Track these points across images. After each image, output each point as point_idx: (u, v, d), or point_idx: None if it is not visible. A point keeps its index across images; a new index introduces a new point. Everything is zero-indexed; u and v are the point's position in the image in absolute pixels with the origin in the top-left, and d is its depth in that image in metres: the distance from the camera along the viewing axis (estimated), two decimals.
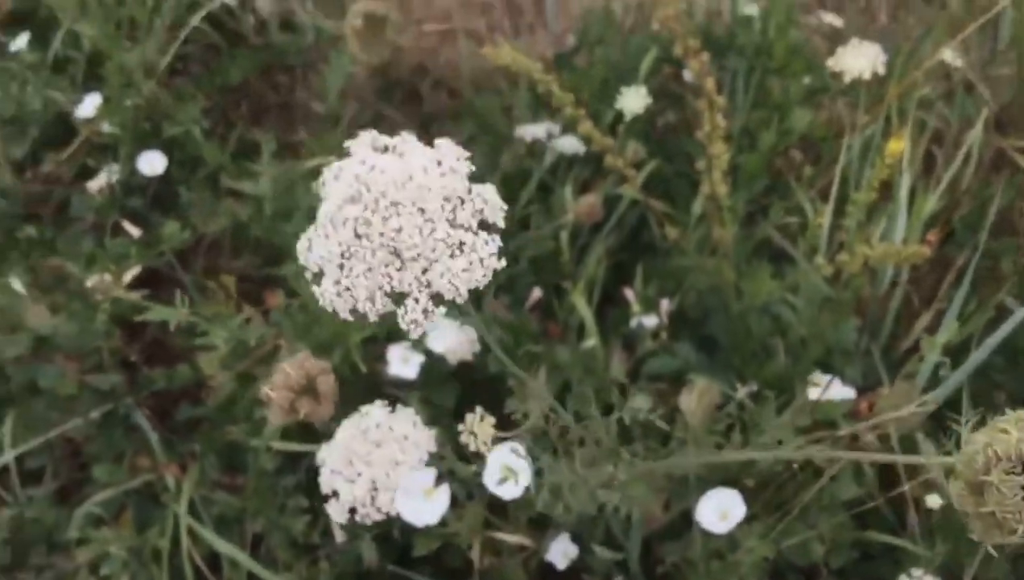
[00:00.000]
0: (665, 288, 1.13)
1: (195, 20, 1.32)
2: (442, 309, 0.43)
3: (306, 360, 0.64)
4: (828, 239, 1.05)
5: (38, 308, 1.12)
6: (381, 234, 0.42)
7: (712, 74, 0.84)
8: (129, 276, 1.20)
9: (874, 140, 1.11)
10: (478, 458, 0.73)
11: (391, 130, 1.49)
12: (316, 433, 0.98)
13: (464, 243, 0.42)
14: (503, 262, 0.43)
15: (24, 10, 1.61)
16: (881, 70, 1.04)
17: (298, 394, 0.63)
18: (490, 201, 0.43)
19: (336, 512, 0.59)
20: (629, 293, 1.11)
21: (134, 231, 1.32)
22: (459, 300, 0.42)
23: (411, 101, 1.61)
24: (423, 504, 0.69)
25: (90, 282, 1.06)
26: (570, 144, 1.23)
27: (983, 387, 1.06)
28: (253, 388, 1.04)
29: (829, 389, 0.87)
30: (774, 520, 0.86)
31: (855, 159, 1.12)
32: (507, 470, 0.70)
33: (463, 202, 0.43)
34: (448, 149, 0.44)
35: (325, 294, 0.43)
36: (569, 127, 1.22)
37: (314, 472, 1.03)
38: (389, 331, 1.01)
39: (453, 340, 0.96)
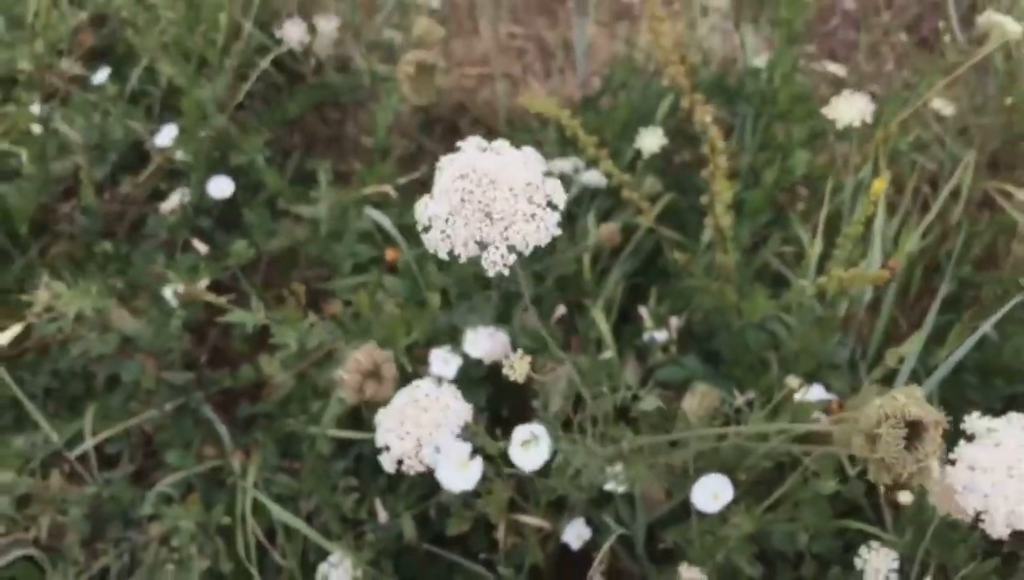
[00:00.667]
0: (676, 307, 1.27)
1: (265, 63, 1.48)
2: (514, 256, 0.59)
3: (373, 350, 0.79)
4: (819, 267, 1.18)
5: (121, 312, 1.28)
6: (479, 201, 0.58)
7: (716, 122, 0.98)
8: (202, 285, 1.36)
9: (864, 180, 1.24)
10: (506, 436, 0.87)
11: (432, 163, 1.65)
12: (364, 425, 1.13)
13: (536, 214, 0.59)
14: (560, 230, 0.61)
15: (104, 46, 1.79)
16: (868, 118, 1.18)
17: (365, 377, 0.77)
18: (556, 190, 0.61)
19: (387, 462, 0.73)
20: (643, 311, 1.24)
21: (202, 248, 1.48)
22: (526, 252, 0.59)
23: (451, 136, 1.76)
24: (459, 474, 0.83)
25: (176, 290, 1.21)
26: (593, 178, 1.37)
27: (957, 403, 1.18)
28: (310, 385, 1.19)
29: (810, 394, 1.00)
30: (761, 511, 0.98)
31: (848, 197, 1.25)
32: (529, 440, 0.84)
33: (538, 188, 0.60)
34: (531, 153, 0.61)
35: (431, 239, 0.60)
36: (592, 163, 1.37)
37: (363, 458, 1.17)
38: (430, 337, 1.16)
39: (487, 345, 1.10)
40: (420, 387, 0.74)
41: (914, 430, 0.58)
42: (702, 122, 0.96)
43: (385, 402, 0.74)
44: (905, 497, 1.03)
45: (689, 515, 1.03)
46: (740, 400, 1.13)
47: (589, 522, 1.08)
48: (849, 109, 1.18)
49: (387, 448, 0.72)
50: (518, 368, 0.69)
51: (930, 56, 1.89)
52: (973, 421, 0.63)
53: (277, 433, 1.20)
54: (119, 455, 1.30)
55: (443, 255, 0.59)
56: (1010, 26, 1.29)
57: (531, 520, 1.07)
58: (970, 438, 0.62)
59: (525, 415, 1.24)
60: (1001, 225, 1.37)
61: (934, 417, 0.58)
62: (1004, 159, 1.56)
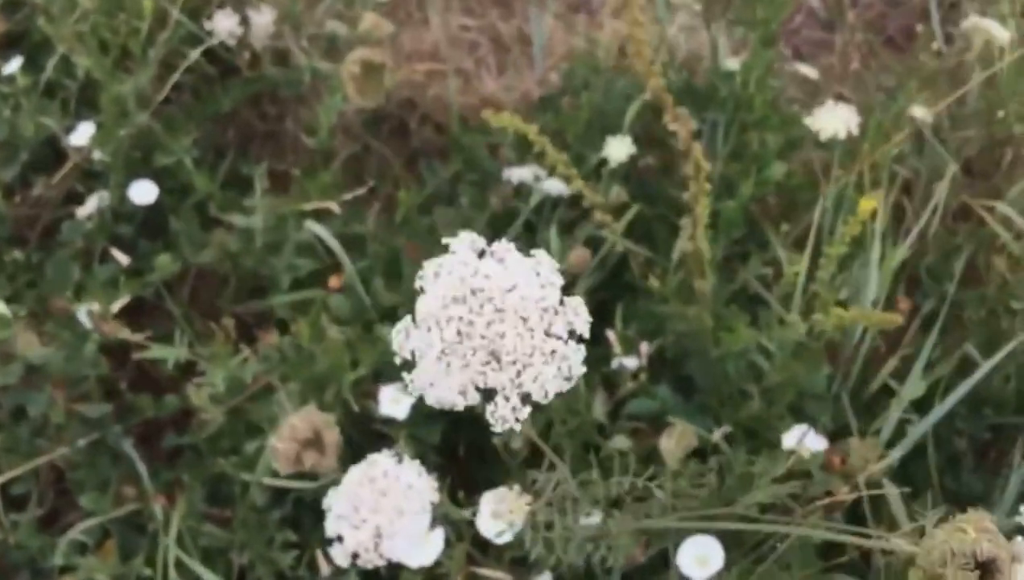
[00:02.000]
0: (644, 329, 1.17)
1: (194, 55, 1.34)
2: (528, 408, 0.45)
3: (312, 413, 0.67)
4: (802, 289, 1.09)
5: (28, 336, 1.14)
6: (483, 337, 0.44)
7: (696, 137, 0.88)
8: (118, 306, 1.22)
9: (846, 193, 1.16)
10: (470, 503, 0.76)
11: (379, 164, 1.52)
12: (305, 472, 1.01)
13: (556, 351, 0.45)
14: (585, 368, 0.47)
15: (17, 32, 1.62)
16: (855, 131, 1.10)
17: (304, 446, 0.66)
18: (580, 315, 0.47)
19: (340, 556, 0.62)
20: (611, 334, 1.14)
21: (122, 258, 1.34)
22: (544, 402, 0.45)
23: (399, 135, 1.64)
24: (418, 547, 0.72)
25: (84, 315, 1.08)
26: (555, 186, 1.27)
27: (945, 432, 1.11)
28: (243, 422, 1.06)
29: (800, 439, 0.92)
30: (748, 563, 0.90)
31: (829, 211, 1.17)
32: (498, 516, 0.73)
33: (557, 313, 0.46)
34: (546, 262, 0.47)
35: (418, 382, 0.46)
36: (554, 171, 1.27)
37: (302, 504, 1.06)
38: (377, 371, 1.04)
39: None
40: (376, 463, 0.63)
41: (985, 569, 0.49)
42: (686, 141, 0.86)
43: (327, 474, 0.63)
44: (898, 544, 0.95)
45: (667, 565, 0.94)
46: (717, 435, 1.04)
47: (557, 577, 0.98)
48: (833, 120, 1.10)
49: (339, 539, 0.61)
50: (514, 509, 0.57)
51: (899, 56, 1.83)
52: None
53: (205, 473, 1.08)
54: (26, 496, 1.15)
55: (432, 402, 0.46)
56: (997, 32, 1.22)
57: (492, 574, 0.96)
58: None
59: (483, 453, 1.13)
60: (982, 240, 1.30)
61: (1009, 552, 0.49)
62: (978, 167, 1.49)
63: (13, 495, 1.15)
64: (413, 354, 0.46)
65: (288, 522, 1.02)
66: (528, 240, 1.30)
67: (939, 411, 0.95)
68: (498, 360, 0.45)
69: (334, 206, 1.16)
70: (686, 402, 1.09)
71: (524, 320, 0.45)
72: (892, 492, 0.89)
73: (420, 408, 1.02)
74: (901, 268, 1.29)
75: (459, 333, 0.45)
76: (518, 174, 1.27)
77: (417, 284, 0.47)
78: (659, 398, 1.06)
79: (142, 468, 1.11)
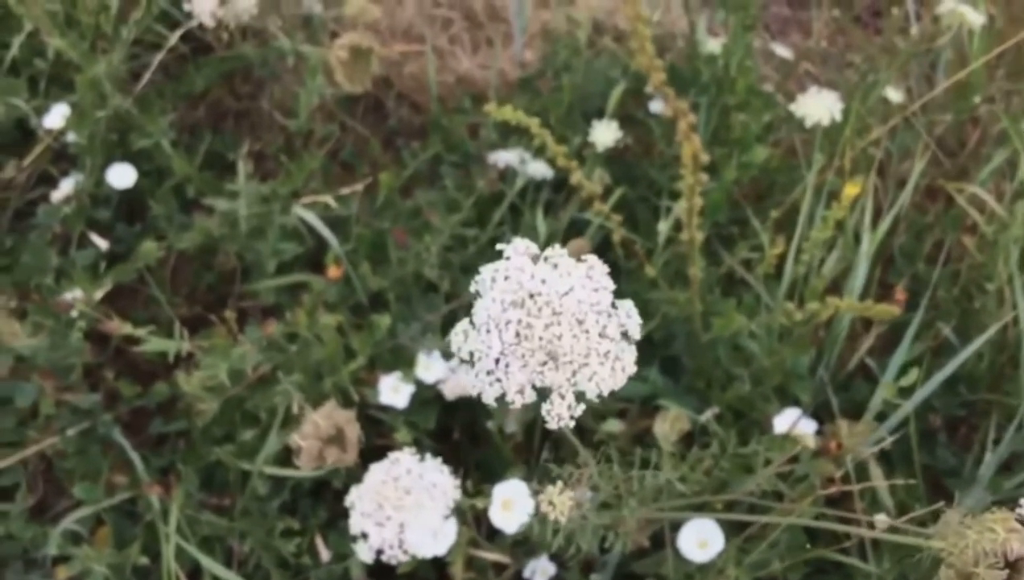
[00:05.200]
0: None
1: (174, 38, 1.32)
2: (583, 406, 0.48)
3: (333, 411, 0.68)
4: (783, 268, 1.12)
5: (11, 325, 1.12)
6: (541, 338, 0.47)
7: (692, 129, 0.89)
8: (101, 293, 1.21)
9: (827, 177, 1.19)
10: (481, 495, 0.78)
11: (357, 145, 1.50)
12: None
13: (609, 351, 0.48)
14: (636, 368, 0.49)
15: None
16: (838, 117, 1.12)
17: (326, 443, 0.67)
18: (632, 317, 0.49)
19: (364, 552, 0.63)
20: None
21: (101, 243, 1.33)
22: (597, 400, 0.48)
23: (375, 114, 1.63)
24: (434, 539, 0.73)
25: (74, 297, 1.06)
26: (540, 169, 1.28)
27: (920, 410, 1.15)
28: (237, 410, 1.07)
29: (796, 424, 0.95)
30: (741, 540, 0.93)
31: (809, 194, 1.19)
32: (509, 505, 0.75)
33: (610, 316, 0.48)
34: (598, 267, 0.50)
35: (477, 381, 0.48)
36: (539, 154, 1.28)
37: (300, 489, 1.06)
38: (372, 359, 1.05)
39: (441, 370, 1.00)
40: (400, 462, 0.64)
41: (1014, 568, 0.52)
42: (685, 133, 0.87)
43: (349, 469, 0.63)
44: (881, 521, 0.99)
45: (662, 544, 0.97)
46: (707, 415, 1.07)
47: (553, 556, 1.00)
48: (817, 107, 1.12)
49: (364, 536, 0.62)
50: (558, 505, 0.59)
51: (866, 34, 1.86)
52: None
53: (198, 461, 1.08)
54: (14, 487, 1.14)
55: (490, 401, 0.48)
56: (971, 16, 1.25)
57: (490, 556, 0.98)
58: None
59: (477, 436, 1.15)
60: (953, 219, 1.34)
61: None
62: (945, 147, 1.53)
63: (2, 486, 1.14)
64: (472, 356, 0.48)
65: (287, 509, 1.03)
66: (513, 223, 1.31)
67: (923, 392, 0.98)
68: (555, 360, 0.47)
69: (330, 200, 1.15)
70: (675, 384, 1.11)
71: (580, 322, 0.47)
72: (878, 477, 0.93)
73: (417, 395, 1.03)
74: (878, 250, 1.33)
75: (518, 335, 0.47)
76: (504, 158, 1.27)
77: (472, 288, 0.49)
78: (650, 381, 1.09)
79: (134, 456, 1.10)
